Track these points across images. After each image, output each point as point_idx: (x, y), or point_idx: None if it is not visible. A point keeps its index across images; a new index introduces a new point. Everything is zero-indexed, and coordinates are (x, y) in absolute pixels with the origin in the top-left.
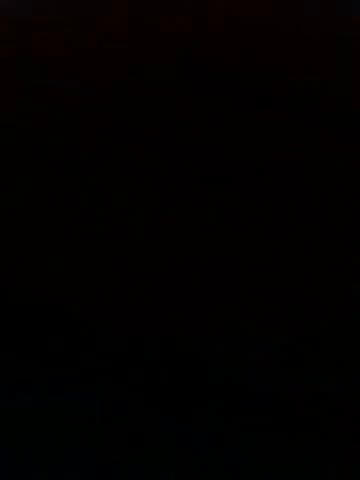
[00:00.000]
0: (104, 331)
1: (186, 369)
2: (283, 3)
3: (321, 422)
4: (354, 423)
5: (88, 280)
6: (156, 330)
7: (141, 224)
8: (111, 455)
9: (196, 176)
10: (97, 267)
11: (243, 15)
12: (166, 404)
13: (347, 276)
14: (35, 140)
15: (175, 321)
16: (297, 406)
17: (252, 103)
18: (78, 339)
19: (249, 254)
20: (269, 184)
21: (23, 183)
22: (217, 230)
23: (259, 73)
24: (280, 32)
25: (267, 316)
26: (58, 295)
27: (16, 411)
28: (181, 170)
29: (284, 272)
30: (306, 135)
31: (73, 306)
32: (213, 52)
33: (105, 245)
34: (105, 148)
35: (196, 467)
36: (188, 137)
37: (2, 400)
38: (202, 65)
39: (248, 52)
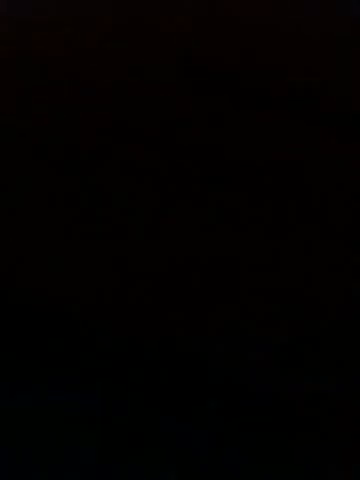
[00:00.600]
0: (104, 331)
1: (186, 369)
2: (283, 3)
3: (321, 422)
4: (354, 423)
5: (88, 280)
6: (156, 330)
7: (141, 224)
8: (111, 455)
9: (196, 176)
10: (97, 267)
11: (243, 15)
12: (166, 404)
13: (347, 276)
14: (35, 140)
15: (175, 321)
16: (297, 406)
17: (252, 103)
18: (78, 339)
19: (249, 254)
20: (269, 184)
21: (23, 183)
22: (217, 230)
23: (259, 73)
24: (280, 32)
25: (267, 316)
26: (58, 295)
27: (16, 411)
28: (181, 170)
29: (284, 272)
30: (306, 135)
31: (73, 306)
32: (213, 52)
33: (105, 245)
34: (105, 148)
35: (196, 467)
36: (188, 137)
37: (2, 400)
38: (202, 65)
39: (248, 52)
